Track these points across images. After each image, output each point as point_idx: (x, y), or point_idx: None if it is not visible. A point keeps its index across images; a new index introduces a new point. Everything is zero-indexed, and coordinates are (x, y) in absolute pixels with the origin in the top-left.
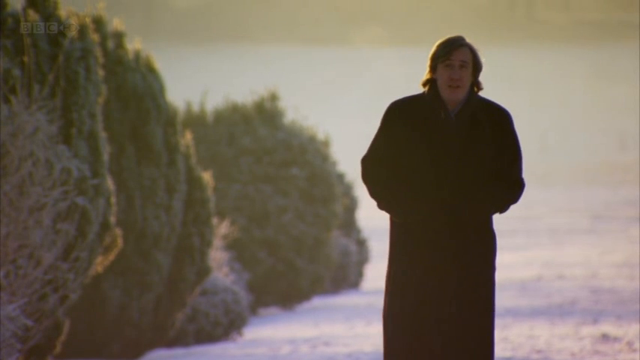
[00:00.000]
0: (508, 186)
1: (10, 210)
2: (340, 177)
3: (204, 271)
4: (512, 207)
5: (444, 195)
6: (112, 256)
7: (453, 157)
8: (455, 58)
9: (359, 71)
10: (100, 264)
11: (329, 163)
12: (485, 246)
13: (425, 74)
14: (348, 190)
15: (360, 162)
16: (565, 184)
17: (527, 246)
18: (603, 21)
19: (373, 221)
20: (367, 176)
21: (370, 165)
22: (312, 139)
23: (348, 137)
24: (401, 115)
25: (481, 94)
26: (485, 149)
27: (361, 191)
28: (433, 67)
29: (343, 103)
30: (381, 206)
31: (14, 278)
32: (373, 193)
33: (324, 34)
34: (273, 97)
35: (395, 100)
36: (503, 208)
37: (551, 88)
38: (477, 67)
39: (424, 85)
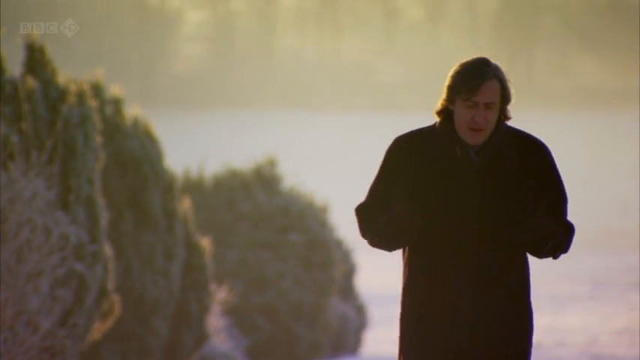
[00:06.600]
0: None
1: (7, 276)
2: (339, 243)
3: (202, 337)
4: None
5: (465, 248)
6: (109, 322)
7: (474, 201)
8: (481, 97)
9: (357, 136)
10: (97, 330)
11: (327, 228)
12: (519, 320)
13: (439, 101)
14: (346, 255)
15: (355, 212)
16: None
17: None
18: (603, 87)
19: (372, 287)
20: (364, 226)
21: (366, 213)
22: (310, 205)
23: (346, 202)
24: (407, 152)
25: None
26: (516, 191)
27: (360, 256)
28: (451, 100)
29: (342, 169)
30: (390, 247)
31: (12, 345)
32: (374, 241)
33: (322, 100)
34: (272, 163)
35: (399, 135)
36: (548, 254)
37: None
38: (505, 100)
39: (438, 114)
